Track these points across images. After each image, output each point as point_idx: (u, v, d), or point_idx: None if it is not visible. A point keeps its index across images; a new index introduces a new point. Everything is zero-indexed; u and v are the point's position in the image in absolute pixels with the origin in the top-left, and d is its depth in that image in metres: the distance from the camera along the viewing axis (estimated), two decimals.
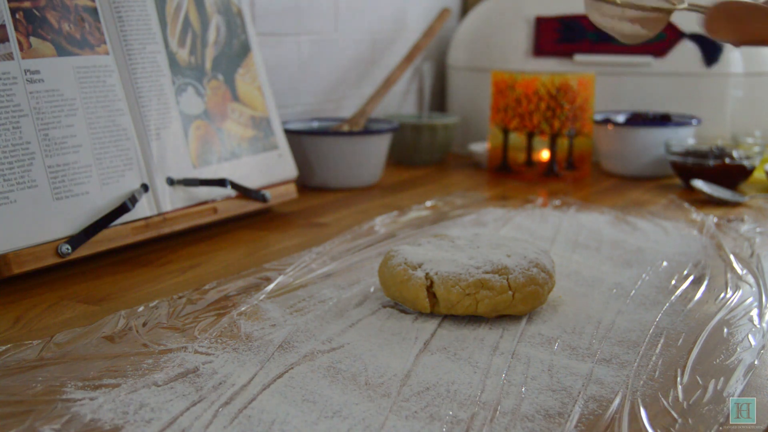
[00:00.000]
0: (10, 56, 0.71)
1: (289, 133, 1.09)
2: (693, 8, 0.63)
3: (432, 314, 0.62)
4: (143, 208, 0.81)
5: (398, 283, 0.62)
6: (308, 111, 1.27)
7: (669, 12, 0.64)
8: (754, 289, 0.69)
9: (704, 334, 0.59)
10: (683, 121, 1.21)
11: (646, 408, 0.48)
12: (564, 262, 0.77)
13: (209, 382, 0.50)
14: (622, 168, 1.22)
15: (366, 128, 1.19)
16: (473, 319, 0.62)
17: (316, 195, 1.08)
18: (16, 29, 0.72)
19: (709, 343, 0.58)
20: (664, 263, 0.77)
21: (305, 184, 1.12)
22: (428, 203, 1.02)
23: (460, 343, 0.57)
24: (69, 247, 0.73)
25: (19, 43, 0.72)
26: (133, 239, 0.80)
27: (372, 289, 0.69)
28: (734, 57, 1.28)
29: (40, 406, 0.47)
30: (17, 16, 0.72)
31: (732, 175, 1.10)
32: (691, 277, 0.73)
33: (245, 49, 0.97)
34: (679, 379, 0.52)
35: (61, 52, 0.76)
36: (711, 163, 1.10)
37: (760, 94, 1.31)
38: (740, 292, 0.68)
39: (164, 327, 0.60)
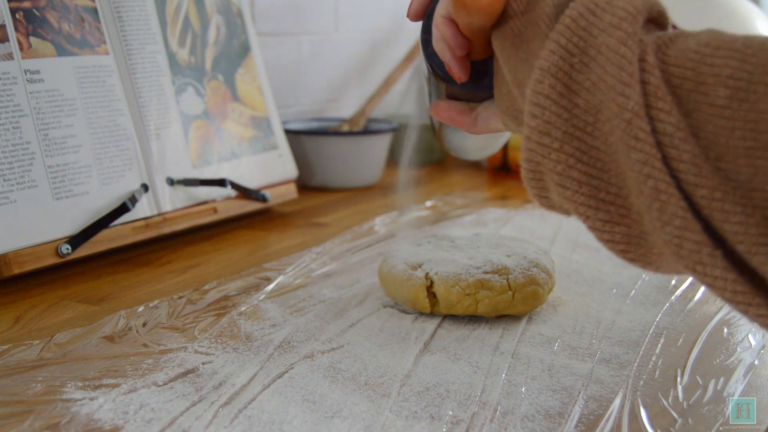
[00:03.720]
0: (10, 56, 0.71)
1: (289, 133, 1.09)
2: None
3: (432, 314, 0.62)
4: (143, 208, 0.81)
5: (398, 283, 0.62)
6: (308, 111, 1.27)
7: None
8: None
9: (704, 334, 0.59)
10: None
11: (646, 408, 0.48)
12: (564, 262, 0.77)
13: (209, 382, 0.50)
14: None
15: (366, 128, 1.18)
16: (473, 319, 0.62)
17: (316, 195, 1.08)
18: (16, 29, 0.72)
19: (709, 343, 0.58)
20: None
21: (305, 184, 1.11)
22: (428, 203, 1.02)
23: (460, 343, 0.57)
24: (69, 247, 0.73)
25: (19, 43, 0.72)
26: (133, 239, 0.79)
27: (372, 289, 0.69)
28: None
29: (40, 406, 0.47)
30: (17, 16, 0.72)
31: None
32: (692, 277, 0.73)
33: (245, 49, 0.97)
34: (679, 379, 0.52)
35: (61, 52, 0.76)
36: None
37: None
38: None
39: (164, 327, 0.60)
